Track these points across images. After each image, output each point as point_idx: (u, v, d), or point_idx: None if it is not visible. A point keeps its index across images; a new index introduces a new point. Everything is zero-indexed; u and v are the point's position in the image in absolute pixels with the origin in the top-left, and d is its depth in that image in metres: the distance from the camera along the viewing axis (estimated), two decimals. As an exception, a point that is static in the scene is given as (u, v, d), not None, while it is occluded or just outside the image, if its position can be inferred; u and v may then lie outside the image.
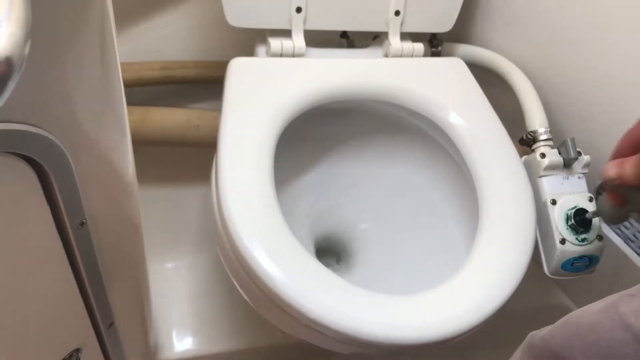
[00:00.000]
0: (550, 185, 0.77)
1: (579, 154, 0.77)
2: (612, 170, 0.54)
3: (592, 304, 0.51)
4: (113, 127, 0.45)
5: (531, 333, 0.57)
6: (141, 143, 0.93)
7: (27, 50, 0.24)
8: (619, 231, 0.87)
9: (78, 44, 0.36)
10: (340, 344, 0.62)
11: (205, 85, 1.02)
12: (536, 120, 0.83)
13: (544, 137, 0.81)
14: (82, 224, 0.44)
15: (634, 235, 0.85)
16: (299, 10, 0.85)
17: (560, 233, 0.73)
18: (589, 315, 0.49)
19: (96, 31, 0.38)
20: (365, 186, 0.94)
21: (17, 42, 0.23)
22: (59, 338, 0.54)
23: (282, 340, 0.96)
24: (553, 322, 0.54)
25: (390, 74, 0.85)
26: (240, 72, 0.80)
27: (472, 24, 1.03)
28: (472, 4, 1.01)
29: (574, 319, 0.51)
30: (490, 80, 0.93)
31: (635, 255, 0.84)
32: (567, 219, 0.74)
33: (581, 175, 0.78)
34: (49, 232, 0.43)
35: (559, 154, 0.78)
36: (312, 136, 0.92)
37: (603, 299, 0.50)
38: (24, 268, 0.43)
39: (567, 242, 0.73)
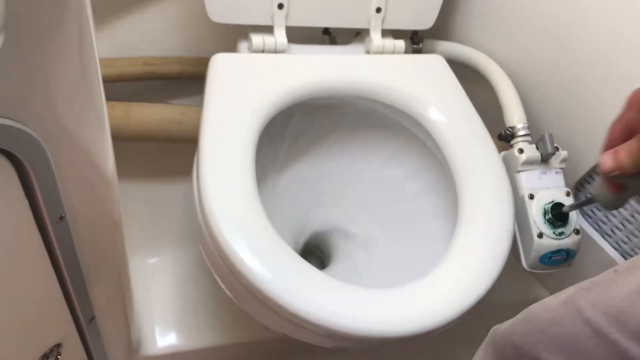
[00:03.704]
0: (528, 180, 0.78)
1: (557, 149, 0.78)
2: (609, 162, 0.51)
3: (550, 297, 0.52)
4: (92, 122, 0.45)
5: (493, 328, 0.58)
6: (124, 138, 0.93)
7: (0, 42, 0.24)
8: (596, 226, 0.88)
9: (56, 38, 0.36)
10: (323, 338, 0.63)
11: (187, 81, 1.01)
12: (515, 116, 0.85)
13: (522, 132, 0.82)
14: (61, 218, 0.44)
15: (611, 230, 0.86)
16: (280, 6, 0.85)
17: (537, 227, 0.75)
18: (549, 310, 0.50)
19: (74, 25, 0.38)
20: (346, 181, 0.95)
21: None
22: (39, 333, 0.54)
23: (265, 335, 0.97)
24: None
25: (372, 70, 0.86)
26: (222, 68, 0.80)
27: (452, 21, 1.04)
28: (452, 2, 1.02)
29: (535, 313, 0.51)
30: (470, 77, 0.94)
31: (612, 248, 0.85)
32: (545, 213, 0.75)
33: (558, 170, 0.79)
34: (27, 226, 0.43)
35: (537, 149, 0.79)
36: (294, 132, 0.92)
37: (560, 292, 0.50)
38: (3, 262, 0.43)
39: (544, 236, 0.74)
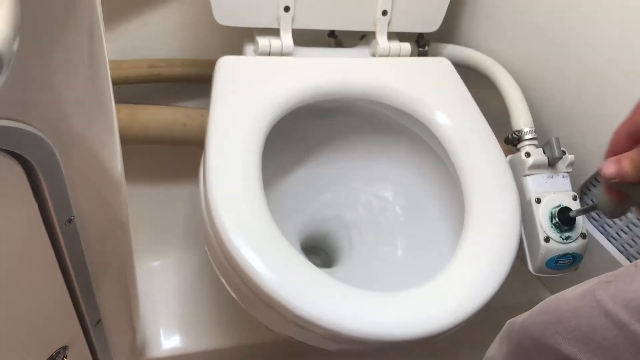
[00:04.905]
0: (535, 184, 0.78)
1: (563, 153, 0.78)
2: (610, 168, 0.50)
3: (569, 289, 0.52)
4: (101, 125, 0.45)
5: (509, 321, 0.58)
6: (129, 141, 0.93)
7: (15, 46, 0.24)
8: (602, 229, 0.88)
9: (66, 41, 0.36)
10: (327, 340, 0.62)
11: (193, 83, 1.01)
12: (521, 120, 0.84)
13: (529, 136, 0.82)
14: (70, 220, 0.44)
15: (617, 234, 0.86)
16: (287, 9, 0.85)
17: (544, 231, 0.74)
18: (568, 301, 0.50)
19: (85, 28, 0.38)
20: (352, 184, 0.95)
21: (6, 39, 0.24)
22: (46, 335, 0.54)
23: (269, 337, 0.97)
24: None
25: (378, 73, 0.86)
26: (228, 70, 0.80)
27: (458, 24, 1.04)
28: (458, 5, 1.02)
29: (554, 305, 0.52)
30: (476, 80, 0.94)
31: (618, 252, 0.85)
32: (552, 217, 0.75)
33: (565, 174, 0.79)
34: (36, 228, 0.43)
35: (544, 153, 0.79)
36: (300, 134, 0.92)
37: (579, 285, 0.51)
38: (11, 265, 0.43)
39: (551, 240, 0.74)
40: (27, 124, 0.35)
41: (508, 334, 0.57)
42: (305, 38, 0.89)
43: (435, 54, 1.00)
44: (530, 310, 0.55)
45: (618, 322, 0.44)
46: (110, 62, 0.97)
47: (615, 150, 0.51)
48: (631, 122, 0.50)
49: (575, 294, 0.50)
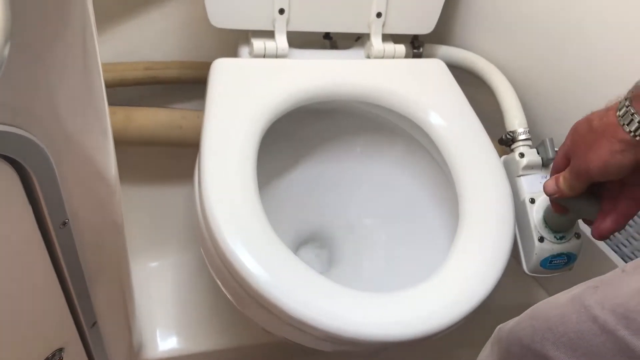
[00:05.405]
0: (529, 184, 0.78)
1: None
2: (550, 186, 0.60)
3: (557, 295, 0.52)
4: (95, 128, 0.46)
5: (499, 326, 0.59)
6: (125, 143, 0.93)
7: (6, 52, 0.25)
8: (596, 229, 0.88)
9: (59, 45, 0.36)
10: (323, 342, 0.63)
11: (188, 85, 1.02)
12: (515, 121, 0.85)
13: (523, 137, 0.82)
14: (64, 223, 0.45)
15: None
16: (281, 11, 0.85)
17: (538, 231, 0.75)
18: (556, 307, 0.50)
19: (77, 33, 0.38)
20: (348, 185, 0.95)
21: (-3, 45, 0.24)
22: (41, 337, 0.54)
23: (266, 339, 0.97)
24: None
25: (372, 75, 0.86)
26: (223, 72, 0.81)
27: (452, 26, 1.04)
28: (452, 6, 1.02)
29: (542, 311, 0.52)
30: (471, 81, 0.94)
31: (613, 252, 0.85)
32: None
33: (559, 175, 0.79)
34: (31, 231, 0.43)
35: (538, 153, 0.79)
36: (295, 136, 0.92)
37: (568, 290, 0.51)
38: (6, 267, 0.43)
39: (545, 240, 0.74)
40: (20, 128, 0.35)
41: (498, 339, 0.58)
42: (300, 40, 0.89)
43: (430, 55, 1.00)
44: (520, 315, 0.55)
45: (605, 328, 0.44)
46: (107, 64, 0.98)
47: (557, 168, 0.61)
48: (564, 145, 0.58)
49: (563, 299, 0.50)
